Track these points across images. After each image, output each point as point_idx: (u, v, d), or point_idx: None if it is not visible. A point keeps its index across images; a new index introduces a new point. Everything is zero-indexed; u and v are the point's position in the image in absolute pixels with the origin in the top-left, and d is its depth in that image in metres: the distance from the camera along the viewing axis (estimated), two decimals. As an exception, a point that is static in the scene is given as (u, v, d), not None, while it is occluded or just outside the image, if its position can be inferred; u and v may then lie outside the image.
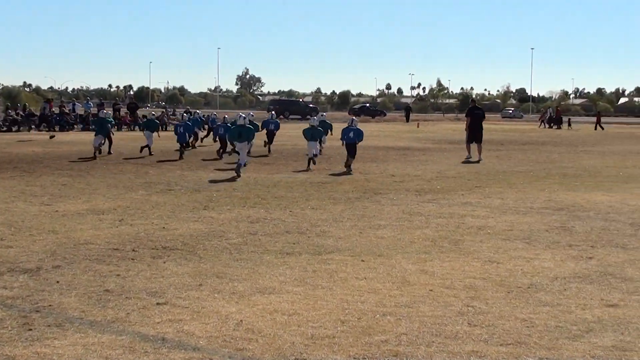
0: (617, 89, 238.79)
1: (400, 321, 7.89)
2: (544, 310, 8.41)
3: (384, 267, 10.46)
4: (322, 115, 35.68)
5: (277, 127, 33.71)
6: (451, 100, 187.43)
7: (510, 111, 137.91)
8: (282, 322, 7.80)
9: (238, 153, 25.35)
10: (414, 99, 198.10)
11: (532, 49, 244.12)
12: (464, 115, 34.81)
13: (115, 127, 41.72)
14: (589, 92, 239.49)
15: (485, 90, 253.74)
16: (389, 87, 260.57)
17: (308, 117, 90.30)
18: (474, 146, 31.17)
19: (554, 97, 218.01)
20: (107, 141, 30.77)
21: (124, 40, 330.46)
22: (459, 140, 43.26)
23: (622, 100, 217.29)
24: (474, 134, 31.22)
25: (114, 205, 15.94)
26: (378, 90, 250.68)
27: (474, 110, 32.20)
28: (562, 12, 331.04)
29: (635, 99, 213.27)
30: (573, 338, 7.41)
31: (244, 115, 25.68)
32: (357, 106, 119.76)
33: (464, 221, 14.51)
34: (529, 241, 12.56)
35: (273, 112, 34.84)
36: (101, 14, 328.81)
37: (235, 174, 22.57)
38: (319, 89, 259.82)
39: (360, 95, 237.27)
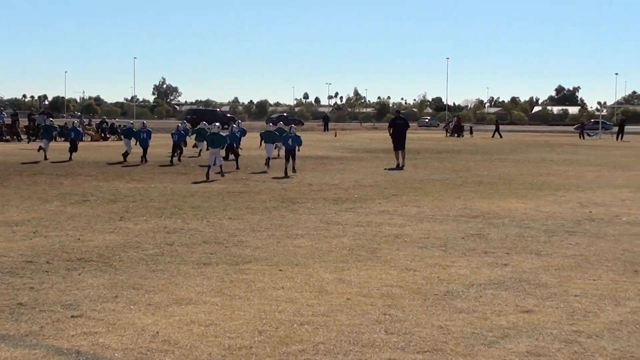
0: (531, 98, 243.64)
1: (318, 330, 7.89)
2: (459, 317, 8.50)
3: (301, 277, 10.46)
4: (280, 122, 38.43)
5: (244, 133, 36.01)
6: (368, 110, 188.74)
7: (427, 120, 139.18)
8: (199, 333, 7.74)
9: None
10: (331, 108, 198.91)
11: (448, 58, 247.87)
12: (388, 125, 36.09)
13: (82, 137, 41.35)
14: (503, 101, 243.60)
15: (402, 99, 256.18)
16: (306, 96, 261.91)
17: (226, 126, 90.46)
18: (399, 154, 32.60)
19: (469, 105, 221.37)
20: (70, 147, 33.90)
21: (39, 49, 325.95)
22: (376, 149, 43.76)
23: (536, 108, 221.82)
24: (396, 143, 32.71)
25: (27, 217, 15.65)
26: (296, 99, 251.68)
27: (395, 121, 34.15)
28: (477, 21, 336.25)
29: (549, 107, 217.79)
30: (488, 344, 7.49)
31: (217, 124, 28.91)
32: (275, 115, 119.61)
33: (381, 229, 14.60)
34: (445, 249, 12.69)
35: (239, 121, 37.12)
36: (14, 22, 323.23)
37: (221, 175, 25.82)
38: (236, 98, 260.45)
39: (278, 104, 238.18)
